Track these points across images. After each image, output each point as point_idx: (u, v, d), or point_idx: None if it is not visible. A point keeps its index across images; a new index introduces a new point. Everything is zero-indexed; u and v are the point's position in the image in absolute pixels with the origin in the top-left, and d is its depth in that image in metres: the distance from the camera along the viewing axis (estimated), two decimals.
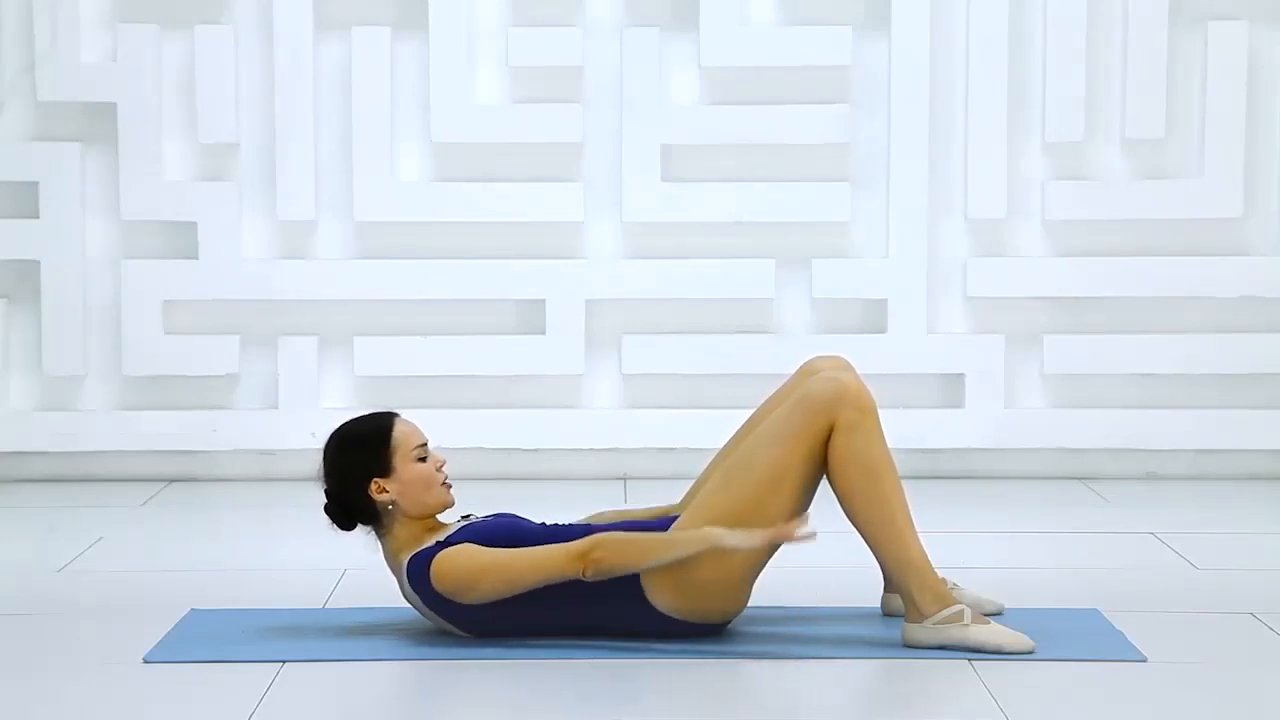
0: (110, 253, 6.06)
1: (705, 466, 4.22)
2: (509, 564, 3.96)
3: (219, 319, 6.09)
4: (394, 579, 4.12)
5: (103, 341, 6.08)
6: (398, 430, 4.09)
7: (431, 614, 4.05)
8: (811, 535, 3.88)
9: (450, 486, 4.11)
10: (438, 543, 4.02)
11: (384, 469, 4.05)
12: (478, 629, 4.02)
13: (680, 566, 3.95)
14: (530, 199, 6.05)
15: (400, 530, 4.08)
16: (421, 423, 4.14)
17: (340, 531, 4.11)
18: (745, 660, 3.94)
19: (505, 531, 4.05)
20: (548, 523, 4.14)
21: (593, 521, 4.21)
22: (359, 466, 4.05)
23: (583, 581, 3.92)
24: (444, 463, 4.11)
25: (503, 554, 3.97)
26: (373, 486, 4.04)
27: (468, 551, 3.98)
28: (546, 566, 3.94)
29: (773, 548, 4.00)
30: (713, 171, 6.09)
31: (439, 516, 4.13)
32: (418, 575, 4.00)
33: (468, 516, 4.14)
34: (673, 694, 3.77)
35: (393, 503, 4.05)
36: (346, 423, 4.13)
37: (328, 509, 4.09)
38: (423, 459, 4.08)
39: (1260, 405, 6.11)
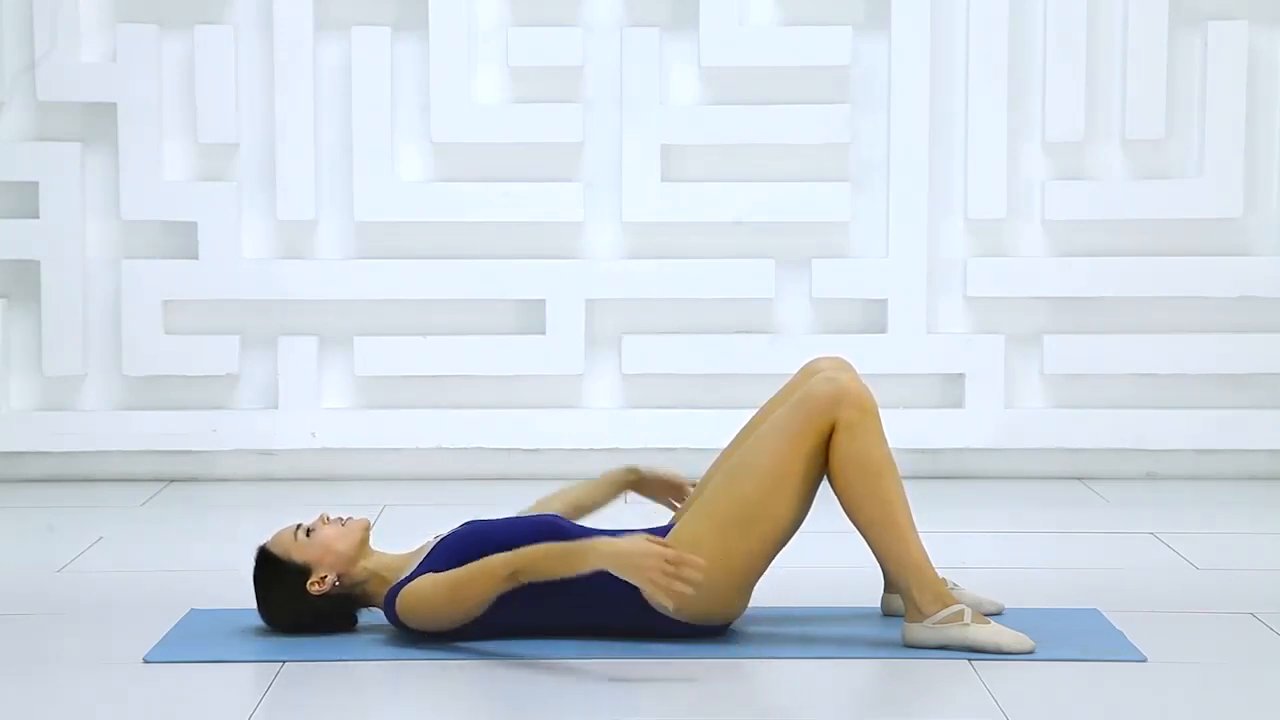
0: (110, 253, 6.06)
1: (708, 467, 4.23)
2: (454, 589, 3.91)
3: (219, 319, 6.09)
4: None
5: (103, 341, 6.08)
6: (274, 548, 4.07)
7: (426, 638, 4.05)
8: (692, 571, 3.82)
9: (350, 518, 4.10)
10: (404, 578, 4.01)
11: (300, 574, 4.04)
12: (475, 634, 4.00)
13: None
14: (530, 199, 6.05)
15: (372, 588, 4.08)
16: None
17: (355, 628, 4.12)
18: (745, 660, 3.94)
19: (472, 539, 4.03)
20: (509, 515, 4.15)
21: (533, 511, 4.25)
22: (288, 594, 4.05)
23: (583, 582, 3.89)
24: (324, 515, 4.11)
25: (448, 582, 3.93)
26: (312, 589, 4.04)
27: (421, 587, 3.95)
28: (486, 587, 3.89)
29: (761, 550, 4.01)
30: (713, 171, 6.08)
31: (410, 548, 4.12)
32: (391, 615, 4.01)
33: (440, 536, 4.13)
34: (673, 694, 3.77)
35: (338, 578, 4.05)
36: (254, 588, 4.10)
37: (322, 631, 4.08)
38: (310, 532, 4.07)
39: (1260, 405, 6.11)
